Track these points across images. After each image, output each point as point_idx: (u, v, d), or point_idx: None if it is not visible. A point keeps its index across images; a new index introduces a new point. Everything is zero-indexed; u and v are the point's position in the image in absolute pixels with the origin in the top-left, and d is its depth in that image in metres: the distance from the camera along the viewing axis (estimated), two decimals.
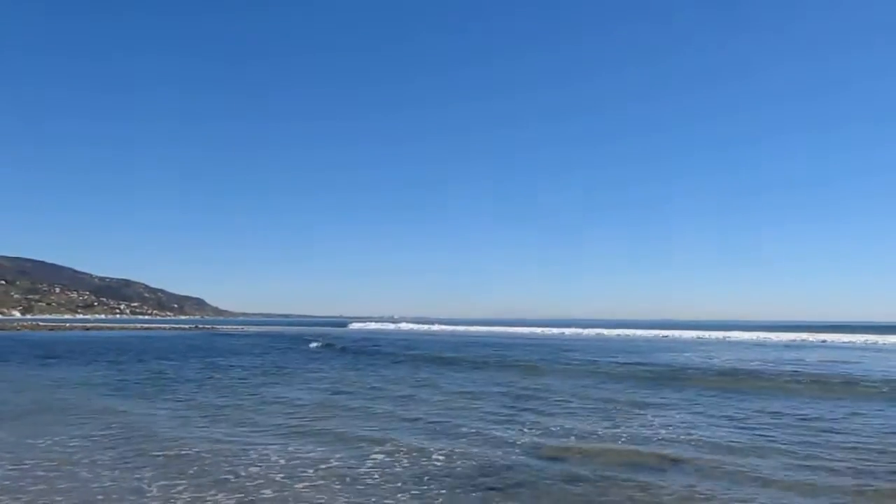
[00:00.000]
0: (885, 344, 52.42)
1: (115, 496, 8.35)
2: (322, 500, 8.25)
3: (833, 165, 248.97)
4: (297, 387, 20.37)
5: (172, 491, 8.55)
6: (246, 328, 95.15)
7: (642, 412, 15.40)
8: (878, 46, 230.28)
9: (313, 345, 46.12)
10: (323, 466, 9.90)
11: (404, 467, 9.89)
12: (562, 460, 10.42)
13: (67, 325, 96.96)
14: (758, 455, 10.78)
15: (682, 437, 12.37)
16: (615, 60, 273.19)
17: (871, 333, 64.19)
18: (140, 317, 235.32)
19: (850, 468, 9.91)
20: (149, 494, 8.42)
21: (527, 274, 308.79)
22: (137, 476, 9.25)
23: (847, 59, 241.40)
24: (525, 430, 13.02)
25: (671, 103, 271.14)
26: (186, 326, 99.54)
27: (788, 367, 28.08)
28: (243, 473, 9.42)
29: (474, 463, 10.13)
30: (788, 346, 50.79)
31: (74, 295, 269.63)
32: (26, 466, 9.75)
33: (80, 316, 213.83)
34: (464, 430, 12.92)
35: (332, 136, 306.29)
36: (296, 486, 8.85)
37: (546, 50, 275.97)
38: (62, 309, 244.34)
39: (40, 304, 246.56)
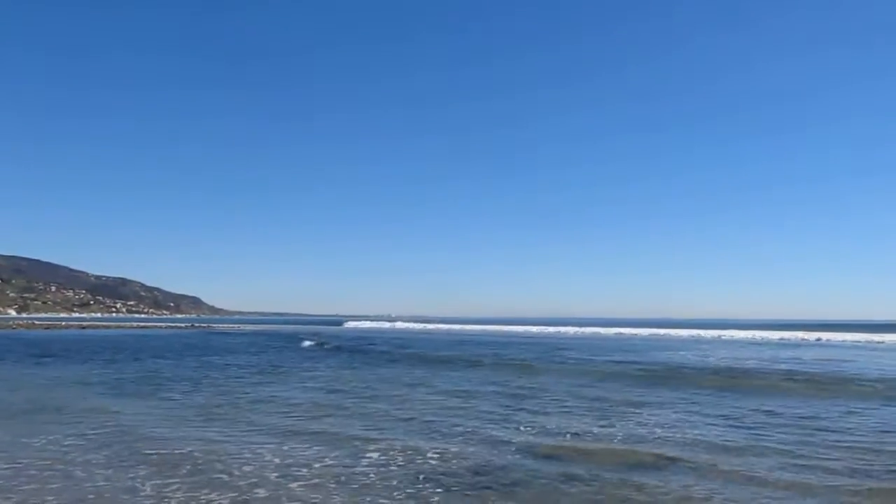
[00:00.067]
0: (880, 342, 52.55)
1: (107, 495, 8.32)
2: (316, 500, 8.22)
3: (833, 163, 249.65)
4: (291, 386, 20.34)
5: (166, 490, 8.51)
6: (241, 327, 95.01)
7: (638, 411, 15.39)
8: (879, 43, 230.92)
9: (306, 343, 46.04)
10: (317, 466, 9.86)
11: (399, 466, 9.86)
12: (557, 460, 10.40)
13: (63, 323, 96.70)
14: (754, 454, 10.77)
15: (678, 436, 12.36)
16: (615, 59, 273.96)
17: (867, 332, 64.30)
18: (136, 315, 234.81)
19: (846, 467, 9.91)
20: (142, 493, 8.38)
21: (526, 273, 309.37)
22: (131, 475, 9.21)
23: (847, 56, 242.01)
24: (520, 429, 13.00)
25: (671, 101, 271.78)
26: (182, 325, 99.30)
27: (784, 366, 28.14)
28: (237, 472, 9.39)
29: (469, 462, 10.11)
30: (784, 344, 50.91)
31: (70, 293, 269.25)
32: (20, 465, 9.70)
33: (76, 314, 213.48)
34: (459, 429, 12.91)
35: (332, 133, 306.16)
36: (290, 485, 8.82)
37: (546, 48, 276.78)
38: (58, 307, 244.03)
39: (36, 302, 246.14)
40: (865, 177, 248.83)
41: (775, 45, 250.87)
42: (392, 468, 9.76)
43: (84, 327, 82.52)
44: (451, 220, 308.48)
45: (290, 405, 16.02)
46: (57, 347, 39.61)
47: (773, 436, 12.33)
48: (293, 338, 55.43)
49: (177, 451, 10.64)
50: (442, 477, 9.25)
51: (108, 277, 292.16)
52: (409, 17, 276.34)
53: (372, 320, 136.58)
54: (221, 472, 9.43)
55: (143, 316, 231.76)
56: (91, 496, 8.28)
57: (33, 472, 9.37)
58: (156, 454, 10.45)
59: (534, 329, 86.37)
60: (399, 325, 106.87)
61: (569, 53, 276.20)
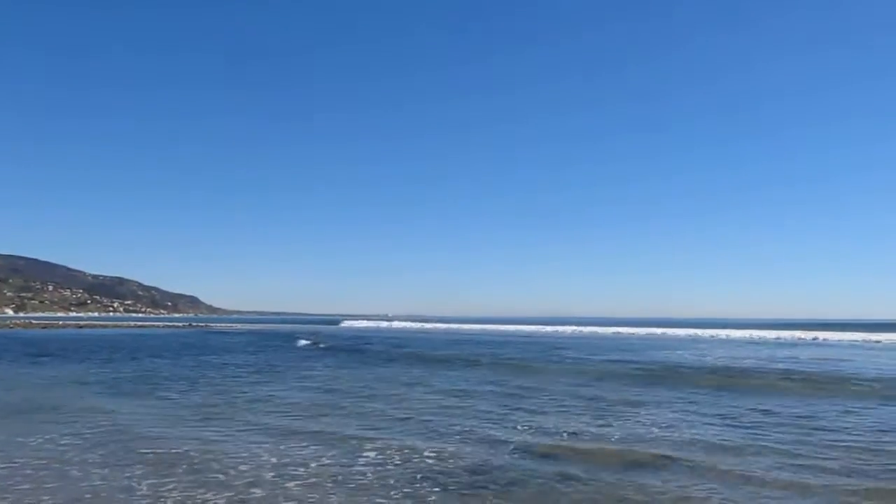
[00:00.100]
0: (877, 342, 52.62)
1: (104, 494, 8.29)
2: (313, 499, 8.20)
3: (833, 161, 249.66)
4: (288, 385, 20.31)
5: (162, 489, 8.49)
6: (239, 326, 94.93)
7: (635, 410, 15.39)
8: (879, 42, 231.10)
9: (302, 343, 46.00)
10: (314, 465, 9.85)
11: (396, 466, 9.85)
12: (554, 459, 10.39)
13: (60, 323, 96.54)
14: (751, 454, 10.77)
15: (675, 435, 12.36)
16: (615, 57, 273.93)
17: (865, 331, 64.40)
18: (134, 315, 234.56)
19: (843, 467, 9.91)
20: (138, 493, 8.36)
21: (526, 273, 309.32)
22: (127, 474, 9.18)
23: (847, 55, 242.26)
24: (517, 428, 13.00)
25: (671, 100, 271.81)
26: (180, 324, 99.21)
27: (781, 365, 28.17)
28: (234, 472, 9.36)
29: (466, 462, 10.09)
30: (781, 343, 50.96)
31: (68, 293, 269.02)
32: (16, 465, 9.67)
33: (74, 314, 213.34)
34: (456, 428, 12.89)
35: (332, 132, 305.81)
36: (287, 484, 8.80)
37: (546, 46, 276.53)
38: (55, 307, 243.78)
39: (33, 301, 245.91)
40: (865, 176, 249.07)
41: (775, 45, 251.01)
42: (389, 467, 9.75)
43: (81, 327, 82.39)
44: (450, 219, 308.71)
45: (288, 405, 16.00)
46: (54, 347, 39.54)
47: (770, 435, 12.33)
48: (289, 337, 55.37)
49: (173, 451, 10.62)
50: (439, 476, 9.24)
51: (106, 277, 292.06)
52: (408, 14, 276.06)
53: (368, 320, 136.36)
54: (218, 471, 9.41)
55: (140, 315, 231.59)
56: (87, 495, 8.26)
57: (29, 471, 9.34)
58: (152, 453, 10.43)
59: (532, 328, 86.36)
60: (396, 324, 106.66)
61: (569, 50, 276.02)
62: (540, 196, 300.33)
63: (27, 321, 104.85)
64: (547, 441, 11.72)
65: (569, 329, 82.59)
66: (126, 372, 24.07)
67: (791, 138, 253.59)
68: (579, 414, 14.89)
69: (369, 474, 9.34)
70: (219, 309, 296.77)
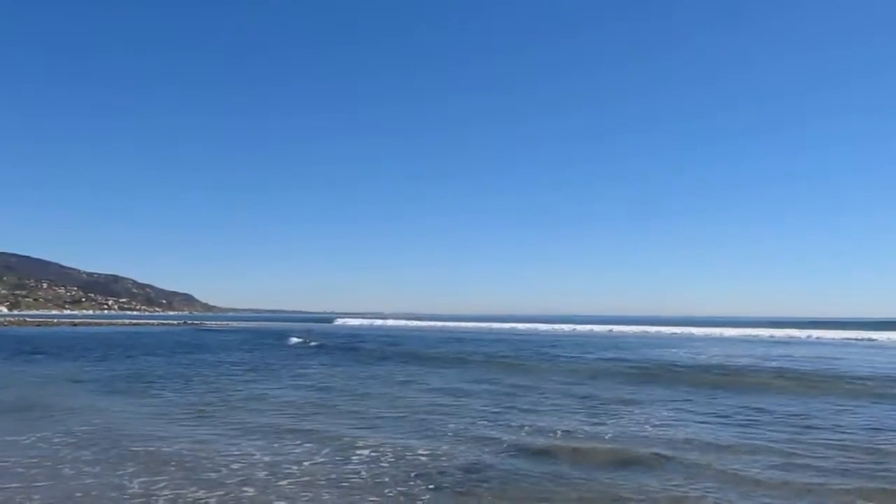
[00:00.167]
0: (872, 340, 52.83)
1: (95, 493, 8.26)
2: (306, 498, 8.18)
3: (833, 159, 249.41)
4: (282, 384, 20.26)
5: (153, 487, 8.45)
6: (234, 324, 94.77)
7: (629, 409, 15.40)
8: (878, 40, 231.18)
9: (293, 341, 45.88)
10: (307, 464, 9.82)
11: (389, 464, 9.83)
12: (548, 458, 10.38)
13: (55, 320, 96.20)
14: (745, 452, 10.78)
15: (670, 433, 12.36)
16: (615, 56, 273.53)
17: (860, 329, 64.62)
18: (128, 313, 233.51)
19: (836, 466, 9.92)
20: (130, 491, 8.32)
21: (525, 271, 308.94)
22: (119, 473, 9.15)
23: (847, 53, 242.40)
24: (511, 427, 12.98)
25: (671, 98, 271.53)
26: (175, 322, 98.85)
27: (775, 364, 28.24)
28: (226, 470, 9.34)
29: (460, 461, 10.08)
30: (776, 342, 51.11)
31: (62, 290, 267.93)
32: (7, 463, 9.62)
33: (68, 312, 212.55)
34: (449, 427, 12.87)
35: (331, 130, 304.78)
36: (279, 483, 8.78)
37: (546, 45, 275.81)
38: (49, 304, 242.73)
39: (27, 299, 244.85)
40: (865, 175, 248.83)
41: (775, 45, 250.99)
42: (382, 466, 9.72)
43: (75, 324, 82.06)
44: (450, 217, 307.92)
45: (281, 403, 15.96)
46: (48, 345, 39.41)
47: (764, 434, 12.35)
48: (282, 335, 55.25)
49: (165, 449, 10.58)
50: (432, 475, 9.22)
51: (100, 274, 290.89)
52: (408, 12, 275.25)
53: (362, 317, 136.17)
54: (210, 469, 9.38)
55: (135, 313, 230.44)
56: (78, 494, 8.22)
57: (20, 469, 9.30)
58: (145, 452, 10.39)
59: (526, 326, 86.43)
60: (390, 322, 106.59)
61: (569, 49, 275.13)
62: (539, 195, 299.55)
63: (21, 319, 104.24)
64: (541, 440, 11.71)
65: (565, 327, 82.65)
66: (120, 370, 24.00)
67: (790, 136, 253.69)
68: (573, 413, 14.89)
69: (363, 473, 9.32)
70: (214, 307, 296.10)
